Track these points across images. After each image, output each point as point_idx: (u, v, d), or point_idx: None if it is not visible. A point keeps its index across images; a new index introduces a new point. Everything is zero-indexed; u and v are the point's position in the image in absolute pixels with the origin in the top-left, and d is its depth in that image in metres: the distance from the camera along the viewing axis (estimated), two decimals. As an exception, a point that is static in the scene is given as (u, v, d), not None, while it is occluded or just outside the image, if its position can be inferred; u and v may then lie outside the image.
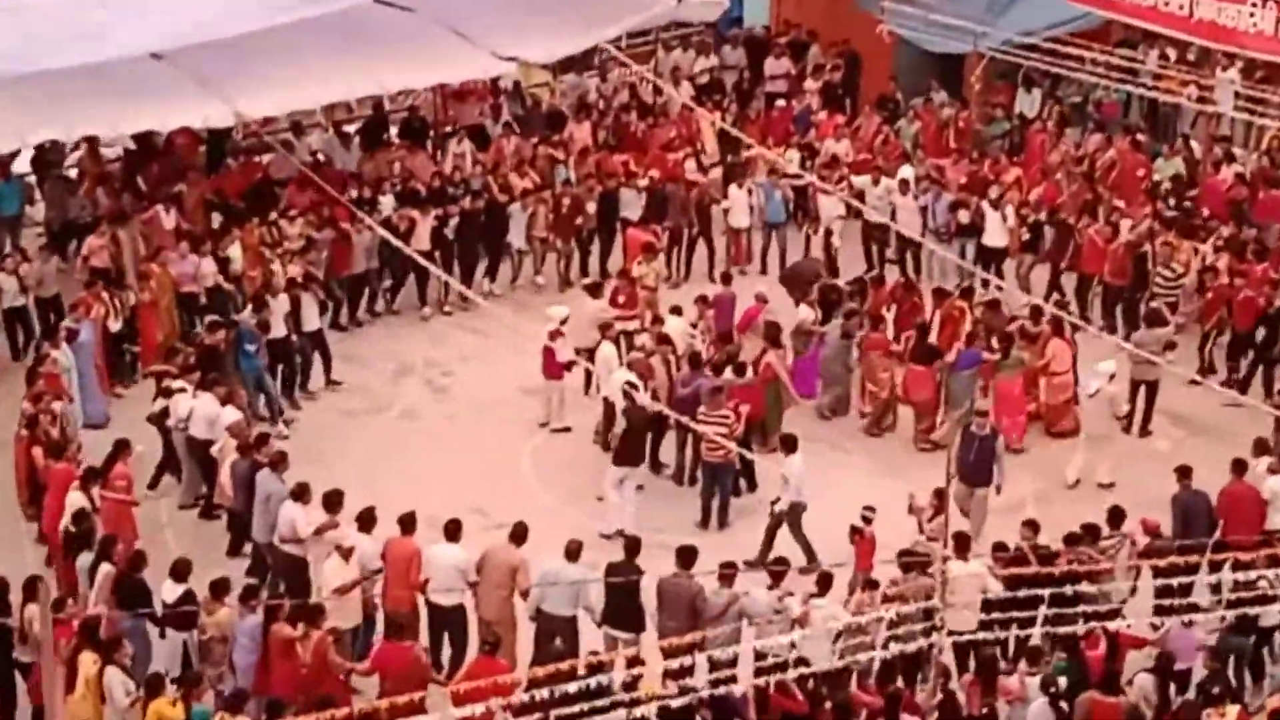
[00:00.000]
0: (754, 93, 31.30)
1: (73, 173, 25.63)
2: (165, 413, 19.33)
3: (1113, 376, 20.87)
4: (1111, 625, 15.78)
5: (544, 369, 21.60)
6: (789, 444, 18.72)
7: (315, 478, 17.77)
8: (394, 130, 28.70)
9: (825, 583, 16.04)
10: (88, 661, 14.49)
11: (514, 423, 21.98)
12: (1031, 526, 17.42)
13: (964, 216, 25.85)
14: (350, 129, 27.98)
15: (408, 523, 16.61)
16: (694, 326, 22.65)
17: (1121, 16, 28.54)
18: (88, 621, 15.01)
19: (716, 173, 27.84)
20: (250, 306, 21.51)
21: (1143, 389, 21.79)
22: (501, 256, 25.53)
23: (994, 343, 22.04)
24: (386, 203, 24.58)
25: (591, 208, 25.79)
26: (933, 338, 22.37)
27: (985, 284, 24.37)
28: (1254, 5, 25.99)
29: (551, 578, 16.04)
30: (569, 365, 21.62)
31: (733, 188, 26.64)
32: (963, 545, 16.53)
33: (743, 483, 20.20)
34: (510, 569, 16.23)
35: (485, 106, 29.50)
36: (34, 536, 18.28)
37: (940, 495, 16.94)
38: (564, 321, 21.61)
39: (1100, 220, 24.89)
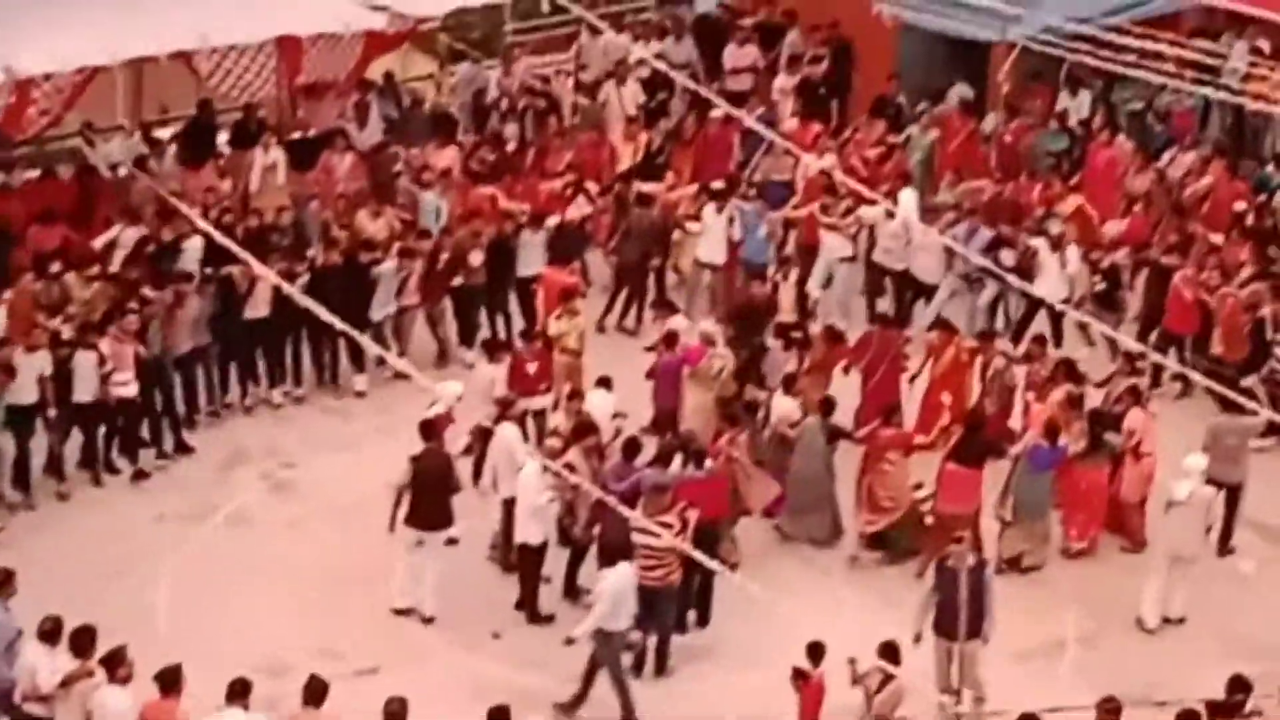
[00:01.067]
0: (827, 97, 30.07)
1: None
2: None
3: (1192, 473, 19.25)
4: None
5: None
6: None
7: (107, 607, 16.58)
8: (223, 136, 26.55)
9: None
10: None
11: (380, 531, 19.41)
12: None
13: (1008, 258, 24.06)
14: (164, 133, 26.41)
15: (170, 681, 14.93)
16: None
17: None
18: None
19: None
20: None
21: (1222, 494, 19.81)
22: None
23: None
24: (191, 249, 22.78)
25: (477, 259, 23.85)
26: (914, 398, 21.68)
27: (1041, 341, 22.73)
28: None
29: None
30: (466, 452, 20.29)
31: (709, 210, 24.85)
32: None
33: (691, 615, 18.64)
34: None
35: (347, 106, 27.42)
36: None
37: (891, 654, 15.93)
38: (459, 398, 20.35)
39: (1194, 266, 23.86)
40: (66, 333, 21.04)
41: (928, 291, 24.74)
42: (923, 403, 21.83)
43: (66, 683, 15.51)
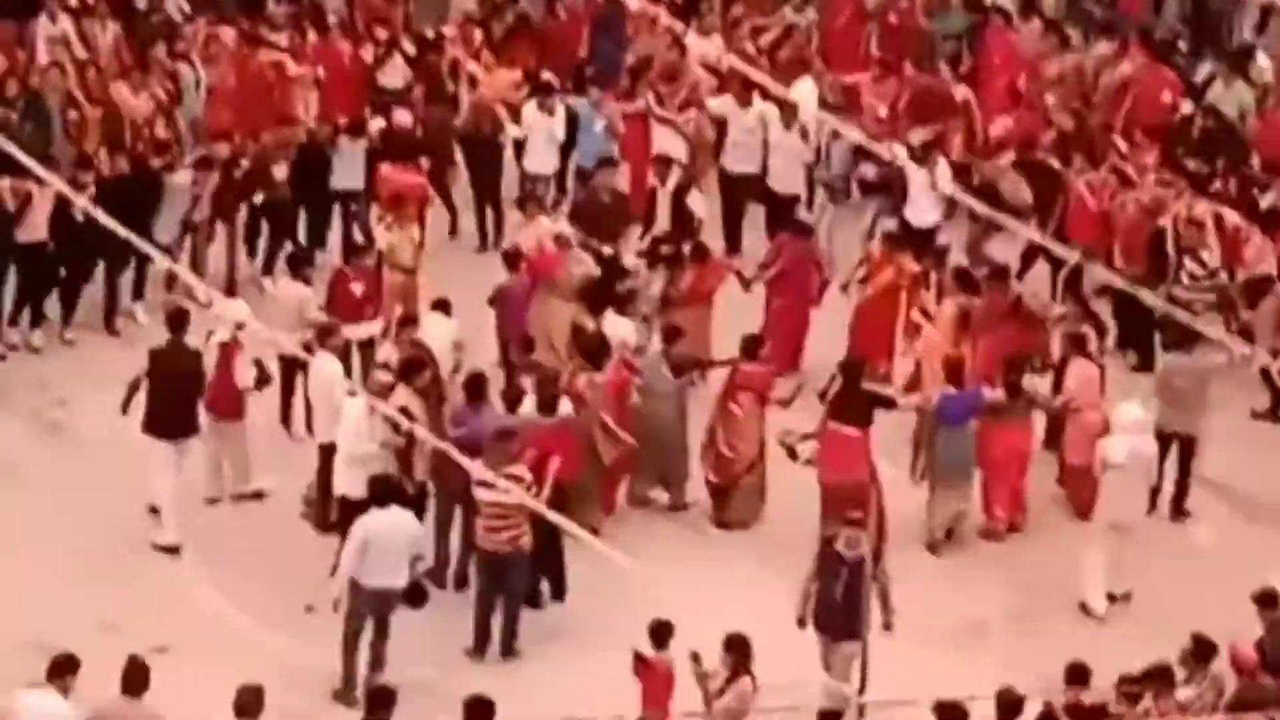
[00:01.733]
0: None
1: None
2: None
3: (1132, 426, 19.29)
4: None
5: (210, 404, 18.47)
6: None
7: None
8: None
9: None
10: None
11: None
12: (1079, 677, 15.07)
13: (869, 172, 23.35)
14: None
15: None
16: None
17: None
18: None
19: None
20: None
21: (1174, 446, 19.16)
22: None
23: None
24: None
25: (281, 172, 22.80)
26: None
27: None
28: None
29: None
30: (259, 385, 18.67)
31: (529, 108, 24.04)
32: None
33: (545, 586, 17.57)
34: None
35: None
36: None
37: (739, 648, 14.75)
38: (240, 327, 18.63)
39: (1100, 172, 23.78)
40: None
41: (783, 204, 23.86)
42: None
43: None
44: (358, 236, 23.08)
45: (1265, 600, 16.20)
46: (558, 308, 20.63)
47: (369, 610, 16.71)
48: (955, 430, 18.79)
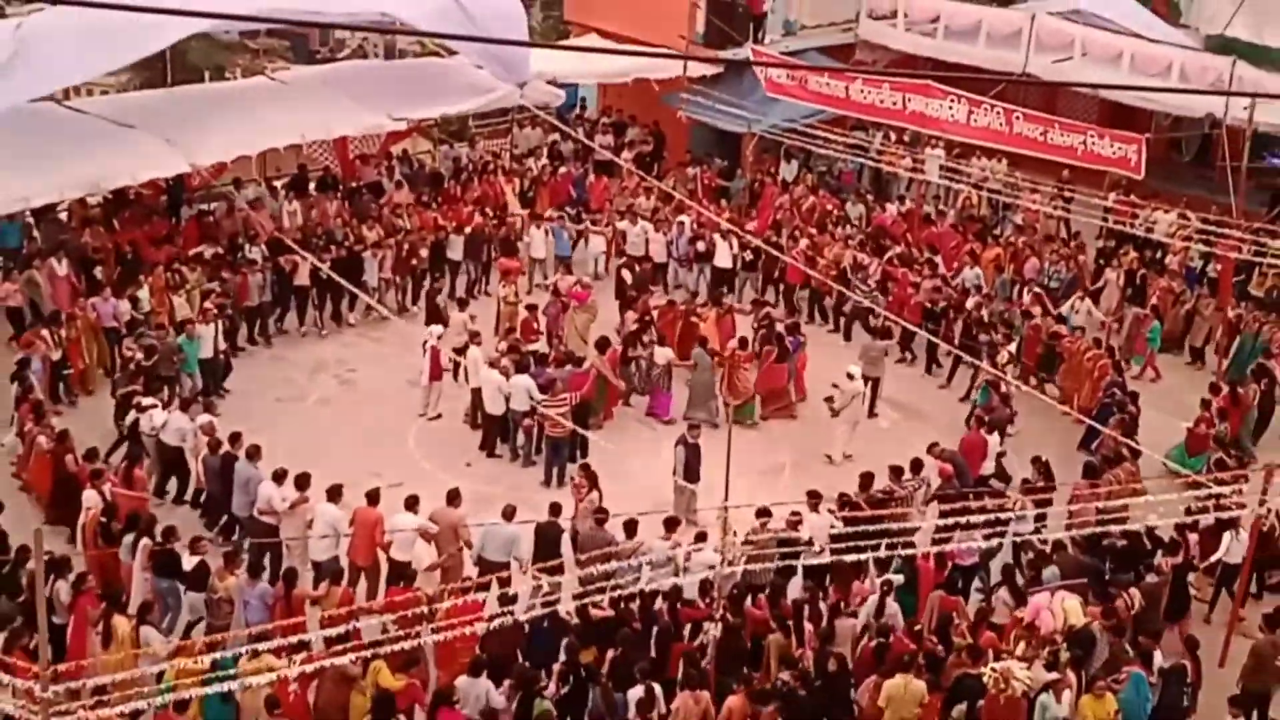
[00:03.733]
0: (588, 159, 32.14)
1: (64, 215, 26.32)
2: (137, 423, 19.91)
3: (852, 376, 22.33)
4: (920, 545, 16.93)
5: (430, 372, 22.52)
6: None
7: (239, 432, 19.04)
8: (312, 185, 29.29)
9: (703, 536, 16.92)
10: (122, 623, 15.18)
11: (403, 409, 22.91)
12: (865, 482, 19.10)
13: (701, 245, 27.38)
14: (279, 183, 28.84)
15: (373, 496, 17.37)
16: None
17: (853, 113, 31.07)
18: (114, 594, 15.94)
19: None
20: (183, 335, 22.36)
21: (870, 385, 23.23)
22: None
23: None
24: (257, 252, 25.02)
25: (424, 252, 26.55)
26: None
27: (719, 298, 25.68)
28: (951, 100, 29.18)
29: (492, 533, 17.21)
30: (454, 369, 22.54)
31: (532, 228, 27.80)
32: (814, 498, 18.19)
33: (577, 453, 21.19)
34: (452, 525, 17.26)
35: (382, 167, 30.11)
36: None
37: (588, 473, 18.77)
38: (439, 338, 22.59)
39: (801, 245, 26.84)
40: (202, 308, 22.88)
41: (662, 268, 27.50)
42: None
43: (294, 505, 17.72)
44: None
45: (930, 448, 19.87)
46: (583, 318, 24.37)
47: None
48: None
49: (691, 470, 19.78)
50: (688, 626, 16.35)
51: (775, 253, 26.33)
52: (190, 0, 19.31)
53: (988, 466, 20.72)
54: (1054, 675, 14.87)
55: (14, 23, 23.32)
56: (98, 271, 24.05)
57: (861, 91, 30.49)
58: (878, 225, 29.17)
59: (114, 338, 22.66)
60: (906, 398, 24.50)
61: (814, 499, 18.00)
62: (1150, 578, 17.49)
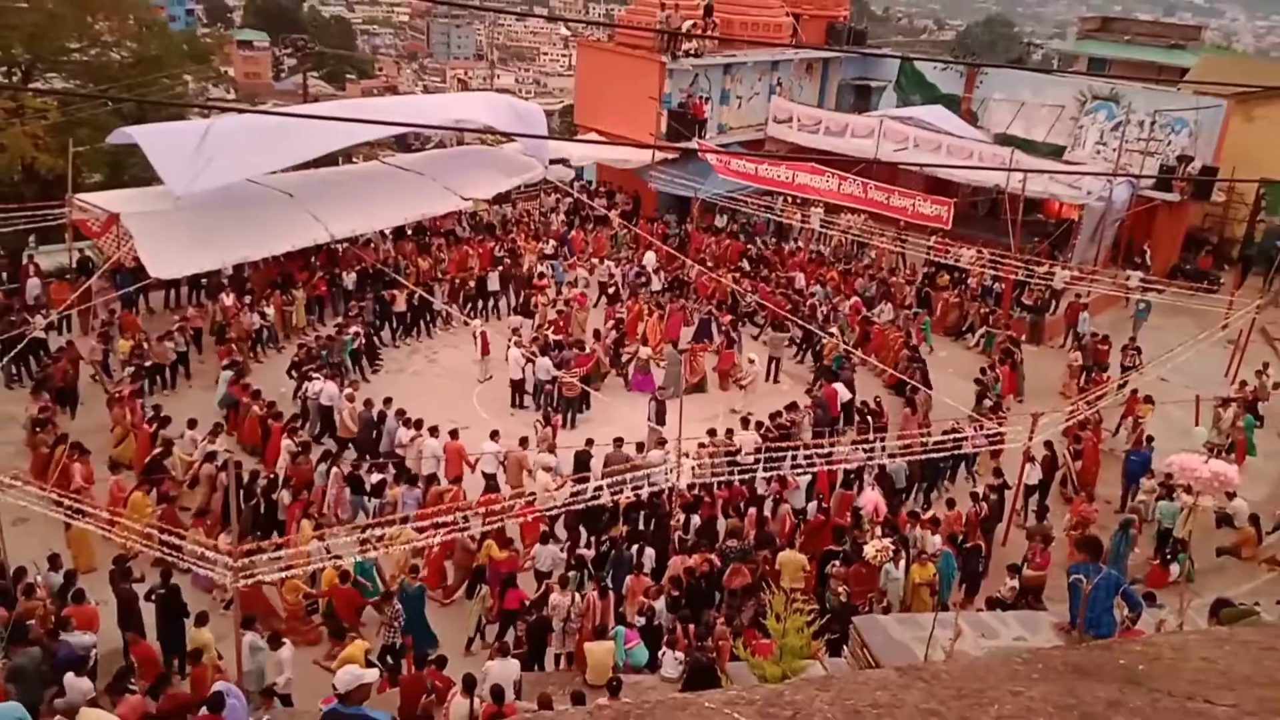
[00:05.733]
0: (590, 218, 31.26)
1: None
2: (303, 390, 19.58)
3: (753, 360, 22.11)
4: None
5: (481, 349, 22.33)
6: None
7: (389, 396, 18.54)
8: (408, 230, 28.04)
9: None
10: (307, 525, 14.63)
11: (468, 379, 22.53)
12: (774, 415, 18.71)
13: (642, 278, 27.18)
14: (386, 230, 27.50)
15: (454, 433, 17.54)
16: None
17: (764, 185, 30.73)
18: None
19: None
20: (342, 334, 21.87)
21: (774, 362, 23.41)
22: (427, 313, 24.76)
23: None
24: (349, 279, 24.44)
25: (471, 285, 25.70)
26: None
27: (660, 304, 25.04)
28: (826, 176, 29.52)
29: (542, 460, 16.94)
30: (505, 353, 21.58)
31: (538, 265, 27.05)
32: (744, 421, 18.10)
33: (584, 407, 21.05)
34: (518, 461, 17.14)
35: (455, 219, 29.59)
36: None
37: (550, 424, 18.37)
38: (483, 329, 22.65)
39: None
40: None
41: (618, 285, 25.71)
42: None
43: (412, 440, 17.59)
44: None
45: (807, 391, 20.41)
46: (582, 315, 24.17)
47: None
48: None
49: (660, 417, 19.53)
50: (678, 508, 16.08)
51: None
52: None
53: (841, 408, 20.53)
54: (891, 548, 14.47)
55: (205, 124, 22.63)
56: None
57: (767, 169, 30.55)
58: (762, 257, 29.20)
59: (258, 339, 22.31)
60: (794, 370, 24.31)
61: (744, 421, 18.02)
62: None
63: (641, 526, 15.55)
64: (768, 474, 16.39)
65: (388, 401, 18.55)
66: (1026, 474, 17.28)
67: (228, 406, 19.05)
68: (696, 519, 15.33)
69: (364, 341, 22.00)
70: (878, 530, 14.99)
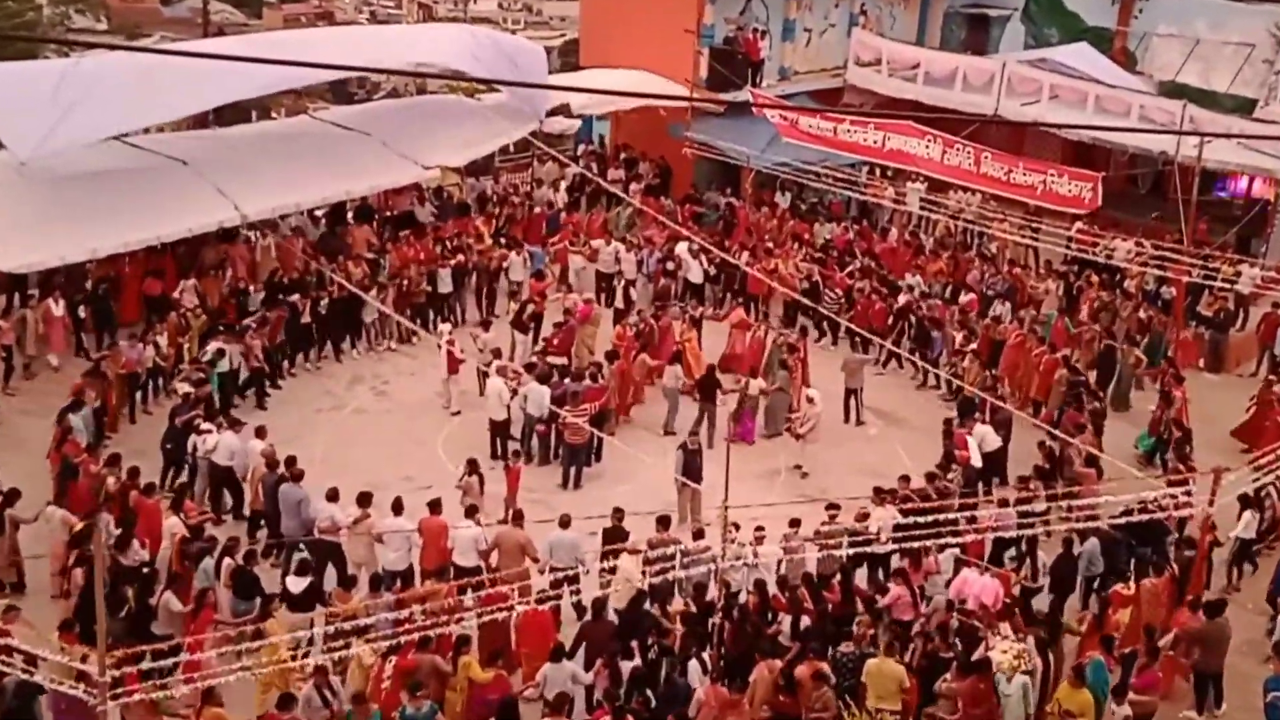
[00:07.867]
0: (599, 194, 31.36)
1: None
2: (195, 448, 19.18)
3: (812, 400, 21.84)
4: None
5: (448, 367, 22.45)
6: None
7: (293, 455, 18.13)
8: (349, 214, 28.85)
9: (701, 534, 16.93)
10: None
11: (432, 417, 22.63)
12: (904, 482, 18.73)
13: (670, 265, 27.38)
14: (319, 212, 28.16)
15: (435, 506, 16.99)
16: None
17: (841, 152, 30.84)
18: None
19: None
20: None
21: (852, 395, 23.35)
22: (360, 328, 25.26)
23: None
24: (255, 298, 24.05)
25: (424, 284, 25.86)
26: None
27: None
28: (928, 140, 29.40)
29: (558, 543, 16.74)
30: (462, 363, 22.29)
31: (511, 255, 27.32)
32: (879, 494, 17.94)
33: (593, 458, 20.95)
34: (518, 545, 16.65)
35: (414, 197, 29.56)
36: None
37: (477, 474, 18.67)
38: (450, 337, 22.79)
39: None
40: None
41: (631, 282, 26.97)
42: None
43: (356, 522, 16.90)
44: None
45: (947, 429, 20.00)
46: (588, 330, 24.16)
47: None
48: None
49: (692, 471, 19.28)
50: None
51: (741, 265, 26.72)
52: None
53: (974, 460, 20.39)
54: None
55: (63, 63, 22.45)
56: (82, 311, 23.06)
57: (848, 131, 30.42)
58: (836, 243, 29.38)
59: (135, 382, 21.78)
60: (889, 405, 24.17)
61: (879, 496, 17.87)
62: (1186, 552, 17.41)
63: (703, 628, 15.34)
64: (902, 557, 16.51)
65: (291, 461, 17.76)
66: (1244, 525, 17.74)
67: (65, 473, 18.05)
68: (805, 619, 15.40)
69: (257, 362, 21.95)
70: (1003, 628, 14.83)
